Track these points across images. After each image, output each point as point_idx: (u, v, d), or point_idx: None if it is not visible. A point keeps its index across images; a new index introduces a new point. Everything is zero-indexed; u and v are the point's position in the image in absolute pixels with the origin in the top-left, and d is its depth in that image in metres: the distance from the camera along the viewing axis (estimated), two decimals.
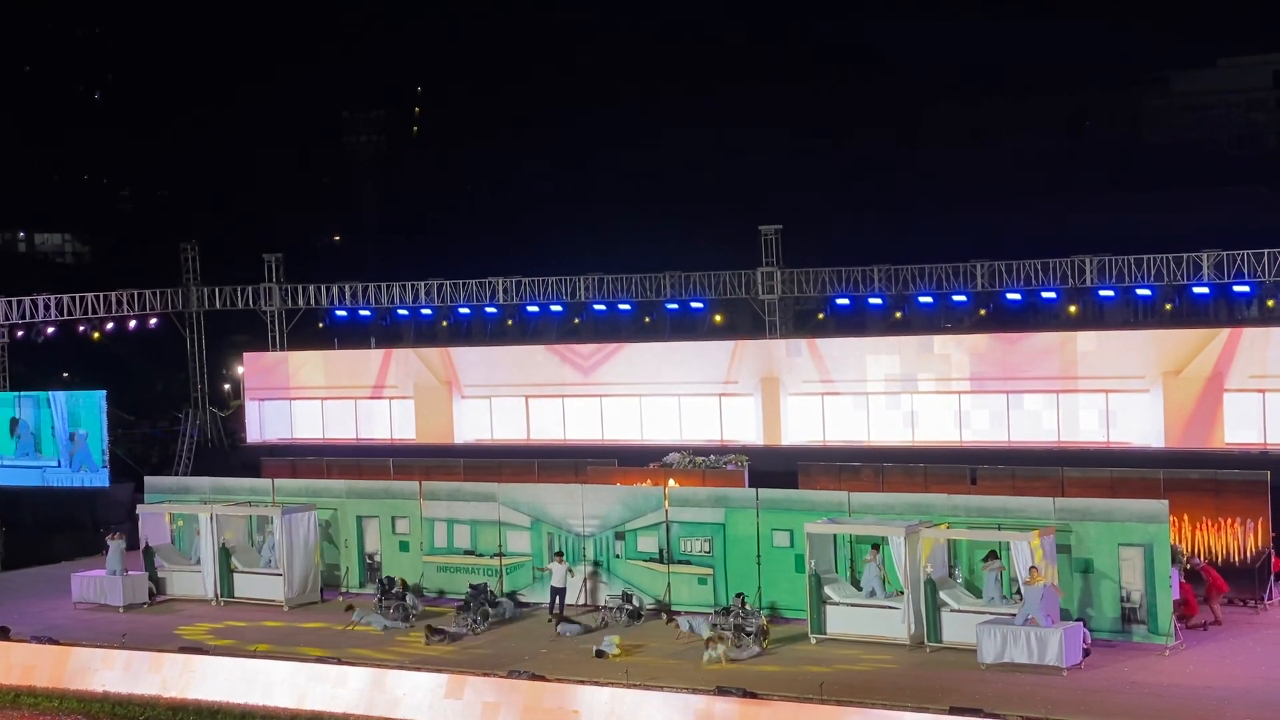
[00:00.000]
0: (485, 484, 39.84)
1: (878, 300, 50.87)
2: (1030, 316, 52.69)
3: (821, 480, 39.58)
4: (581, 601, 37.05)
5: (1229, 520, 34.83)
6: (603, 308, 54.70)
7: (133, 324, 57.17)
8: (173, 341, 60.54)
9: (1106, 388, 45.30)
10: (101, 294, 55.90)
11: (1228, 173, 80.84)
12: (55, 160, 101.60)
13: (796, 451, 46.66)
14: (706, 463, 43.89)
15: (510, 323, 58.19)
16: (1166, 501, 31.94)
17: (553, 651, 33.21)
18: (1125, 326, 50.78)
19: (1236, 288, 46.39)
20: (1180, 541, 34.26)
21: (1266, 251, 45.32)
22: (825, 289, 51.48)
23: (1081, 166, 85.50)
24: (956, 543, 33.40)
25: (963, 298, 49.66)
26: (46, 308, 54.68)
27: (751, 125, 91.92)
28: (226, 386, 69.83)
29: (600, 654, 32.32)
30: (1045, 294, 48.47)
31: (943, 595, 32.51)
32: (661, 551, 36.66)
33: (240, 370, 61.06)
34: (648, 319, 61.58)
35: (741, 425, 49.90)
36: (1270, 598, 34.48)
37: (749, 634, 32.68)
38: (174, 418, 61.22)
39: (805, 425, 49.13)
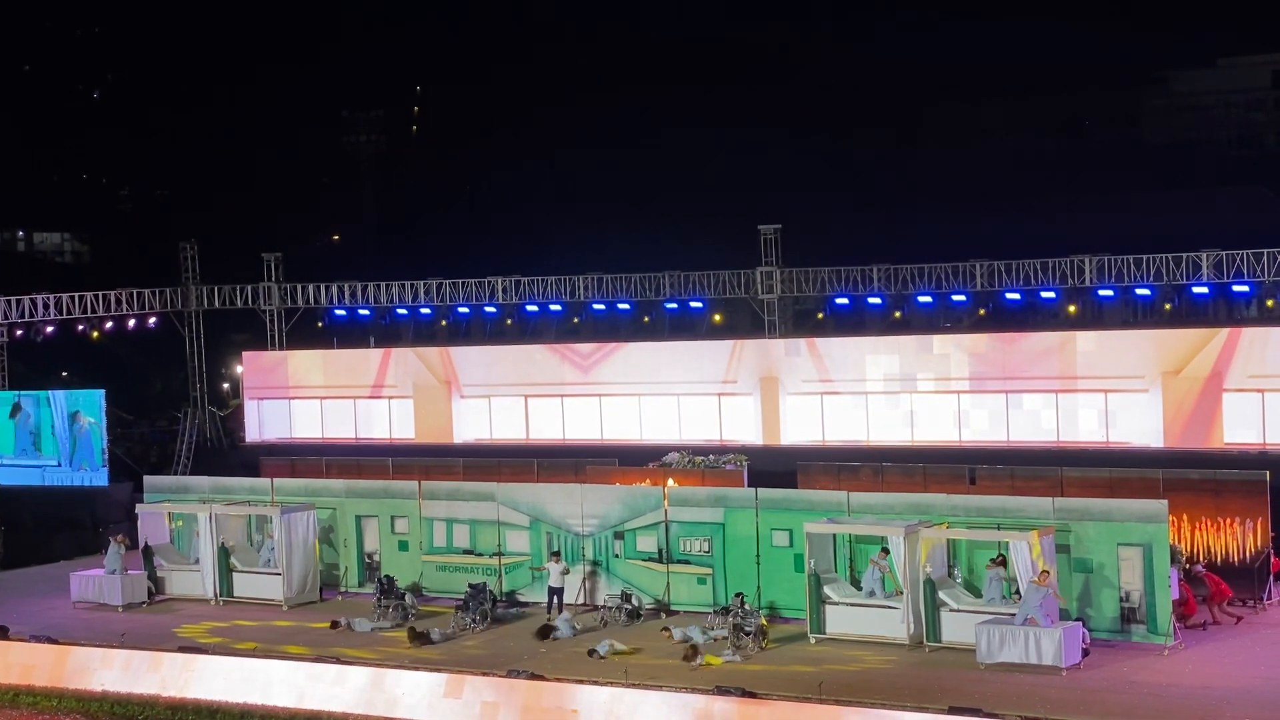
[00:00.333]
0: (484, 484, 39.83)
1: (877, 300, 50.87)
2: (1029, 316, 52.68)
3: (821, 480, 39.58)
4: (581, 601, 37.04)
5: (1228, 520, 34.83)
6: (602, 307, 54.70)
7: (132, 323, 57.17)
8: (172, 341, 60.52)
9: (1106, 388, 45.29)
10: (101, 293, 55.88)
11: (1227, 173, 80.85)
12: (55, 160, 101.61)
13: (796, 451, 46.65)
14: (706, 462, 43.87)
15: (509, 322, 58.18)
16: (1166, 501, 31.95)
17: (551, 651, 33.21)
18: (1124, 326, 50.76)
19: (1236, 288, 46.39)
20: (1179, 541, 34.26)
21: (1266, 251, 45.33)
22: (824, 288, 51.48)
23: (1081, 166, 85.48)
24: (956, 542, 33.40)
25: (962, 297, 49.66)
26: (46, 307, 54.67)
27: (751, 125, 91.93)
28: (226, 386, 69.83)
29: (593, 653, 32.32)
30: (1044, 294, 48.47)
31: (942, 595, 32.51)
32: (661, 551, 36.66)
33: (239, 369, 61.05)
34: (647, 318, 61.56)
35: (741, 425, 49.89)
36: (1269, 598, 34.49)
37: (748, 634, 32.68)
38: (173, 417, 61.22)
39: (804, 425, 49.12)
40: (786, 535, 35.07)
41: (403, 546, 39.47)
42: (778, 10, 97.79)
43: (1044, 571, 30.73)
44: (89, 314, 55.79)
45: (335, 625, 36.16)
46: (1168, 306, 50.37)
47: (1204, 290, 46.61)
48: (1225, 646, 31.32)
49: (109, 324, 57.23)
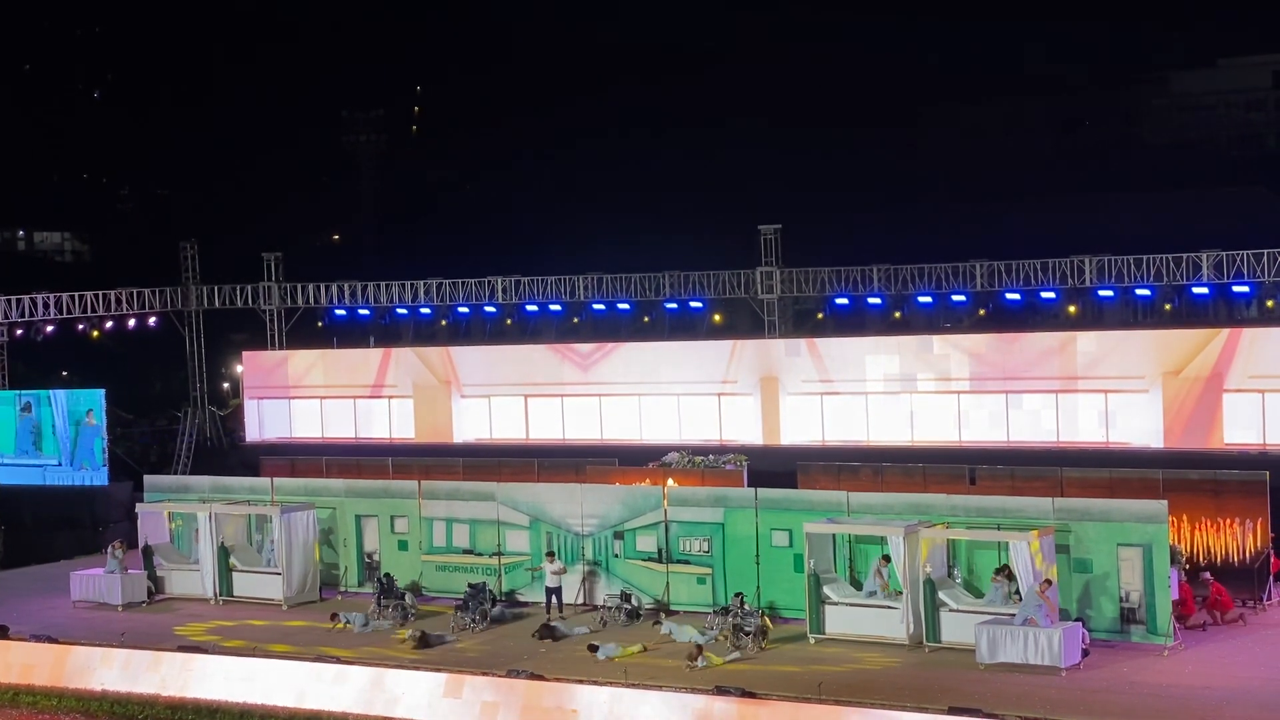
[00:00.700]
0: (484, 483, 39.83)
1: (877, 300, 50.86)
2: (1029, 316, 52.67)
3: (820, 480, 39.57)
4: (580, 601, 37.05)
5: (1228, 521, 34.83)
6: (602, 307, 54.69)
7: (132, 323, 57.16)
8: (172, 340, 60.53)
9: (1106, 388, 45.28)
10: (101, 293, 55.88)
11: (1227, 173, 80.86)
12: (55, 159, 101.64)
13: (795, 451, 46.64)
14: (705, 462, 43.87)
15: (509, 322, 58.17)
16: (1165, 502, 31.93)
17: (551, 651, 33.20)
18: (1125, 327, 50.74)
19: (1236, 288, 46.38)
20: (1179, 542, 34.26)
21: (1266, 252, 45.32)
22: (824, 289, 51.47)
23: (1081, 166, 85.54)
24: (955, 543, 33.40)
25: (962, 298, 49.65)
26: (46, 306, 54.67)
27: (751, 125, 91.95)
28: (226, 385, 69.85)
29: (594, 648, 32.32)
30: (1045, 294, 48.46)
31: (942, 595, 32.50)
32: (660, 551, 36.66)
33: (239, 369, 61.05)
34: (647, 318, 61.57)
35: (741, 425, 49.89)
36: (1269, 598, 34.49)
37: (747, 634, 32.68)
38: (173, 417, 61.23)
39: (804, 425, 49.12)
40: (786, 535, 35.07)
41: (402, 546, 39.47)
42: (778, 10, 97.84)
43: (1046, 581, 30.68)
44: (89, 313, 55.79)
45: (335, 617, 36.23)
46: (1168, 307, 50.38)
47: (1204, 291, 46.60)
48: (1225, 647, 31.31)
49: (109, 323, 57.22)
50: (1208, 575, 33.57)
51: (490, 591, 36.66)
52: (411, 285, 56.51)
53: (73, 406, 50.58)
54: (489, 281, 55.34)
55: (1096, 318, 54.13)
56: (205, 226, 69.00)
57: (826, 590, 33.54)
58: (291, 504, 39.67)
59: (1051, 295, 48.54)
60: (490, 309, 56.04)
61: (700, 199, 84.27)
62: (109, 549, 40.13)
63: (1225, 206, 69.91)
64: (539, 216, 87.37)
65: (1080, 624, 30.90)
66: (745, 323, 57.61)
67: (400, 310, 57.22)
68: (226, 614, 38.18)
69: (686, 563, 36.38)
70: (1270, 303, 55.00)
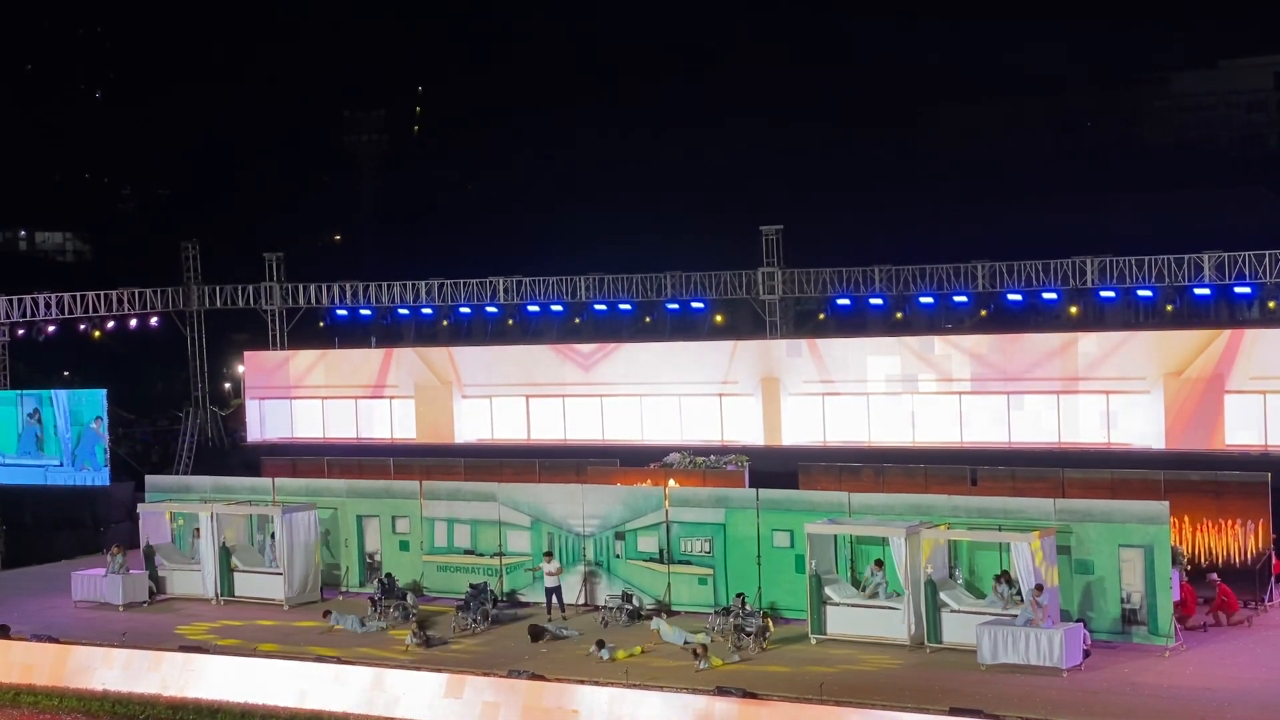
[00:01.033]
0: (485, 484, 39.85)
1: (878, 300, 50.84)
2: (1031, 317, 52.63)
3: (822, 481, 39.57)
4: (582, 601, 37.05)
5: (1229, 522, 34.83)
6: (603, 308, 54.67)
7: (133, 323, 57.14)
8: (173, 340, 60.51)
9: (1107, 389, 45.26)
10: (102, 293, 55.87)
11: (1229, 174, 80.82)
12: (56, 159, 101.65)
13: (797, 452, 46.62)
14: (707, 463, 43.86)
15: (511, 322, 58.14)
16: (1167, 503, 31.95)
17: (552, 651, 33.21)
18: (1126, 328, 50.68)
19: (1237, 289, 46.34)
20: (1181, 543, 34.24)
21: (1268, 253, 45.28)
22: (826, 289, 51.46)
23: (1082, 167, 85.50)
24: (957, 544, 33.39)
25: (963, 298, 49.62)
26: (47, 306, 54.67)
27: (752, 126, 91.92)
28: (227, 385, 69.85)
29: (601, 644, 32.32)
30: (1046, 295, 48.43)
31: (943, 596, 32.50)
32: (662, 552, 36.66)
33: (241, 369, 61.05)
34: (648, 319, 61.54)
35: (742, 425, 49.87)
36: (1271, 599, 34.48)
37: (749, 634, 32.68)
38: (174, 417, 61.22)
39: (806, 426, 49.10)
40: (787, 536, 35.08)
41: (404, 546, 39.48)
42: (780, 11, 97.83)
43: (1038, 586, 30.69)
44: (90, 313, 55.77)
45: (327, 615, 36.28)
46: (1169, 308, 50.27)
47: (1206, 292, 46.55)
48: (1226, 648, 31.31)
49: (110, 323, 57.21)
50: (1214, 576, 33.55)
51: (491, 592, 36.67)
52: (413, 285, 56.51)
53: (74, 407, 50.59)
54: (490, 282, 55.34)
55: (1098, 318, 54.06)
56: (207, 226, 68.88)
57: (828, 591, 33.55)
58: (293, 504, 39.69)
59: (1053, 296, 48.51)
60: (492, 309, 56.01)
61: (702, 199, 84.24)
62: (108, 554, 40.17)
63: (1227, 207, 69.86)
64: (540, 217, 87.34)
65: (1081, 625, 30.91)
66: (747, 323, 57.57)
67: (402, 310, 57.20)
68: (228, 614, 38.19)
69: (688, 563, 36.40)
70: (1272, 304, 54.90)
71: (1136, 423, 44.80)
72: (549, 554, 36.98)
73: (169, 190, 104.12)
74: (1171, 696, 28.10)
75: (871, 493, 36.35)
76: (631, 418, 51.47)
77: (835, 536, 34.32)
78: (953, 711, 26.84)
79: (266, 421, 57.66)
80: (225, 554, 39.86)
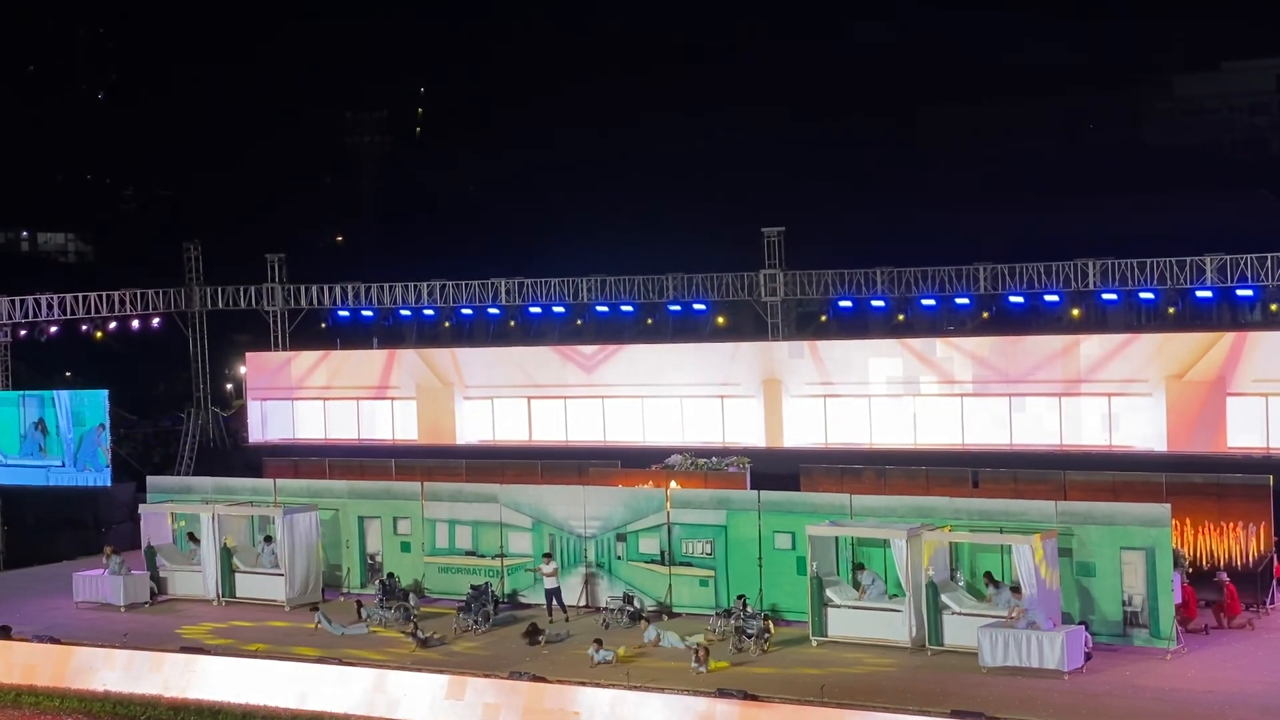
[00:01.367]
0: (487, 485, 39.86)
1: (880, 302, 50.82)
2: (1033, 319, 52.58)
3: (823, 483, 39.56)
4: (583, 603, 37.04)
5: (1231, 524, 34.79)
6: (605, 309, 54.64)
7: (135, 323, 57.13)
8: (175, 341, 60.50)
9: (1109, 391, 45.25)
10: (104, 293, 55.87)
11: (1231, 176, 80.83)
12: (59, 160, 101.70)
13: (798, 454, 46.61)
14: (708, 464, 43.87)
15: (513, 324, 58.11)
16: (1169, 505, 31.95)
17: (554, 653, 33.20)
18: (1128, 330, 50.65)
19: (1240, 291, 46.31)
20: (1182, 545, 34.22)
21: (1270, 255, 45.25)
22: (828, 291, 51.45)
23: (1084, 169, 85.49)
24: (958, 546, 33.38)
25: (965, 300, 49.59)
26: (49, 307, 54.68)
27: (754, 127, 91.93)
28: (229, 386, 69.85)
29: (599, 643, 32.32)
30: (1048, 297, 48.40)
31: (944, 598, 32.49)
32: (663, 553, 36.66)
33: (242, 370, 61.05)
34: (650, 320, 61.49)
35: (743, 427, 49.86)
36: (1272, 602, 34.46)
37: (750, 636, 32.68)
38: (176, 417, 61.21)
39: (807, 427, 49.09)
40: (789, 538, 35.08)
41: (405, 547, 39.49)
42: (782, 11, 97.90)
43: (1014, 588, 30.73)
44: (92, 314, 55.77)
45: (315, 608, 36.46)
46: (1171, 310, 50.23)
47: (1208, 294, 46.52)
48: (1228, 651, 31.30)
49: (112, 324, 57.21)
50: (1223, 576, 33.50)
51: (493, 593, 36.66)
52: (415, 286, 56.50)
53: (77, 408, 50.59)
54: (492, 283, 55.32)
55: (1100, 321, 54.01)
56: (209, 227, 68.93)
57: (829, 593, 33.54)
58: (294, 505, 39.69)
59: (1055, 298, 48.48)
60: (493, 310, 56.00)
61: (704, 201, 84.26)
62: (104, 556, 40.21)
63: (1229, 210, 69.87)
64: (542, 218, 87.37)
65: (1083, 627, 30.90)
66: (748, 325, 57.55)
67: (404, 311, 57.19)
68: (229, 615, 38.18)
69: (689, 565, 36.39)
70: (1274, 306, 54.84)
71: (1138, 425, 44.78)
72: (548, 555, 36.99)
73: (171, 191, 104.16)
74: (1173, 699, 28.08)
75: (873, 495, 36.34)
76: (633, 419, 51.48)
77: (836, 539, 34.31)
78: (954, 714, 26.84)
79: (268, 422, 57.67)
80: (226, 555, 39.85)
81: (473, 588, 36.43)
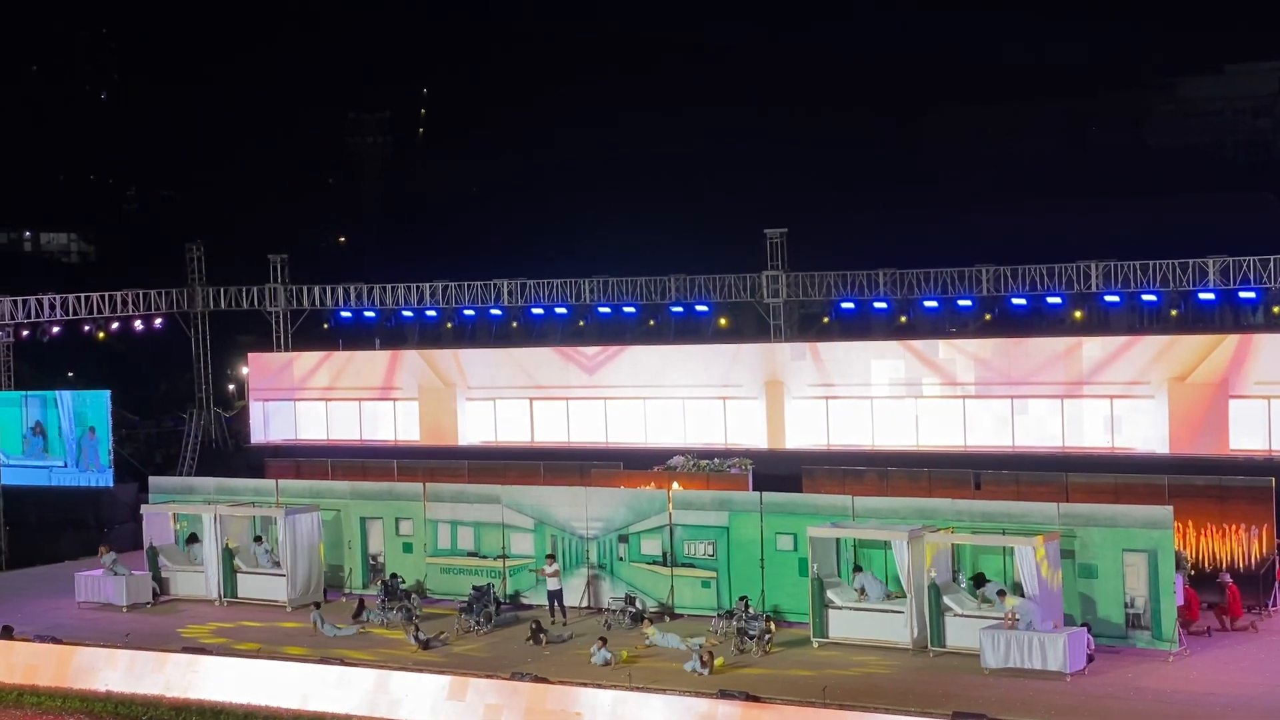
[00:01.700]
0: (489, 486, 39.85)
1: (882, 304, 50.83)
2: (1035, 321, 52.59)
3: (825, 484, 39.53)
4: (585, 604, 37.03)
5: (1234, 527, 34.76)
6: (607, 310, 54.65)
7: (138, 324, 57.16)
8: (178, 342, 60.54)
9: (1111, 393, 45.24)
10: (107, 294, 55.91)
11: (1234, 179, 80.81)
12: (61, 160, 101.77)
13: (800, 455, 46.59)
14: (710, 466, 43.83)
15: (515, 325, 58.14)
16: (1171, 508, 31.94)
17: (556, 654, 33.19)
18: (1130, 332, 50.64)
19: (1242, 294, 46.31)
20: (1185, 548, 34.20)
21: (1273, 258, 45.23)
22: (830, 293, 51.45)
23: (1087, 171, 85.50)
24: (960, 548, 33.37)
25: (968, 302, 49.60)
26: (52, 307, 54.71)
27: (757, 129, 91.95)
28: (231, 387, 69.89)
29: (603, 641, 32.29)
30: (1050, 299, 48.40)
31: (946, 600, 32.47)
32: (665, 554, 36.65)
33: (245, 371, 61.06)
34: (652, 322, 61.52)
35: (745, 428, 49.86)
36: (1275, 604, 34.42)
37: (751, 637, 32.67)
38: (178, 418, 61.22)
39: (809, 429, 49.09)
40: (791, 539, 35.06)
41: (407, 548, 39.48)
42: (785, 12, 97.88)
43: (1000, 591, 30.73)
44: (95, 314, 55.81)
45: (317, 606, 36.43)
46: (1174, 312, 50.28)
47: (1210, 296, 46.52)
48: (1230, 653, 31.28)
49: (115, 325, 57.24)
50: (1226, 578, 33.48)
51: (495, 594, 36.65)
52: (417, 288, 56.52)
53: (79, 408, 50.63)
54: (495, 284, 55.34)
55: (1102, 323, 54.05)
56: (211, 228, 68.98)
57: (830, 594, 33.52)
58: (296, 506, 39.69)
59: (1057, 300, 48.48)
60: (496, 312, 56.01)
61: (706, 202, 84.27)
62: (100, 556, 40.23)
63: (1231, 212, 69.88)
64: (545, 219, 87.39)
65: (1085, 629, 30.88)
66: (751, 326, 57.57)
67: (406, 313, 57.22)
68: (231, 615, 38.18)
69: (691, 566, 36.38)
70: (1276, 309, 54.83)
71: (1141, 427, 44.77)
72: (550, 556, 36.98)
73: (173, 192, 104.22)
74: (1175, 701, 28.07)
75: (875, 496, 36.30)
76: (635, 420, 51.49)
77: (838, 540, 34.30)
78: (956, 715, 26.83)
79: (270, 423, 57.67)
80: (228, 555, 39.85)
81: (475, 589, 36.42)
